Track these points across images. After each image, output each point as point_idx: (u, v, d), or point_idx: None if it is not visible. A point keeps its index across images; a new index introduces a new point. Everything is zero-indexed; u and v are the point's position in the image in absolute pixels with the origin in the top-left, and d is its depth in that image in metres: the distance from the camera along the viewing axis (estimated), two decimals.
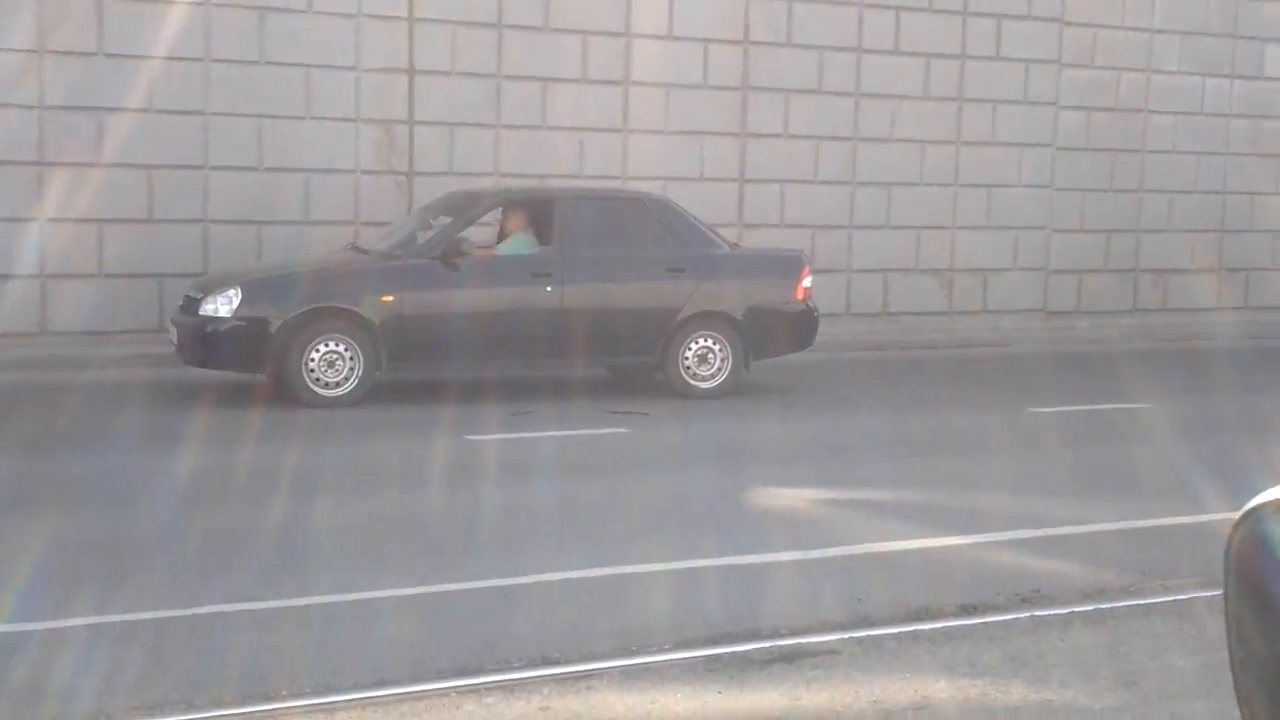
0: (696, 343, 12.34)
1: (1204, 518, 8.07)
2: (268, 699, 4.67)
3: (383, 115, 14.72)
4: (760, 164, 16.54)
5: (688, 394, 12.21)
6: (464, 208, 12.34)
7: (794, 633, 5.55)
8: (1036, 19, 17.88)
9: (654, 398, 12.01)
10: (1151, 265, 19.13)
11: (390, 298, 11.49)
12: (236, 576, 6.19)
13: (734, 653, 5.23)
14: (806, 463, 9.69)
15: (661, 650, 5.28)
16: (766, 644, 5.35)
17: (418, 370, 11.74)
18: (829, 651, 5.33)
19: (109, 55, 13.44)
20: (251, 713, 4.53)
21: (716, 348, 12.39)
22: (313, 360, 11.19)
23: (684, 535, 7.31)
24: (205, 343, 11.39)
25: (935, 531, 7.58)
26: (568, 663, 5.09)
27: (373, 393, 11.38)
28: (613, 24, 15.72)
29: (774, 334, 12.75)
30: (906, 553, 7.12)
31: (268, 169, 14.24)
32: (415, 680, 4.84)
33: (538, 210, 12.39)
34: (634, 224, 12.45)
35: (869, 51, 16.98)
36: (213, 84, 13.89)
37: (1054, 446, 10.55)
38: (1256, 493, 1.73)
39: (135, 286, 13.70)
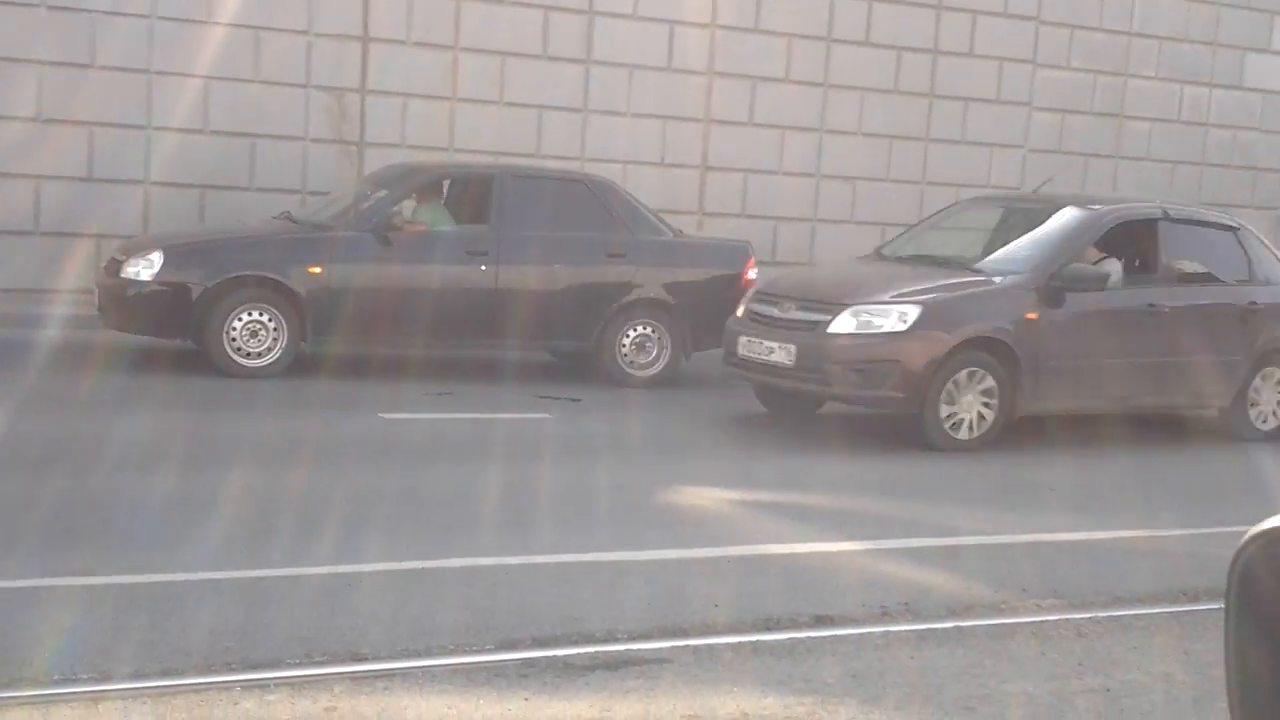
0: (635, 330, 12.11)
1: (1131, 533, 7.84)
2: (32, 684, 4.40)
3: (335, 83, 14.44)
4: (724, 152, 16.23)
5: (624, 382, 11.98)
6: (400, 181, 12.08)
7: (630, 638, 5.27)
8: (1012, 16, 17.54)
9: (589, 385, 11.76)
10: None
11: (318, 269, 11.23)
12: (69, 551, 5.93)
13: (552, 656, 4.95)
14: (723, 460, 9.42)
15: (480, 651, 5.01)
16: (592, 649, 5.08)
17: (343, 344, 11.49)
18: (660, 660, 5.06)
19: (51, 8, 13.16)
20: (12, 698, 4.26)
21: (655, 336, 12.15)
22: (234, 329, 10.94)
23: (557, 529, 7.03)
24: (126, 306, 11.14)
25: (830, 536, 7.33)
26: (375, 659, 4.83)
27: (296, 365, 11.15)
28: (576, 0, 15.41)
29: (715, 325, 12.41)
30: (788, 556, 6.85)
31: (213, 132, 13.97)
32: (203, 672, 4.57)
33: (476, 188, 12.12)
34: (575, 206, 12.16)
35: (839, 41, 16.66)
36: (157, 42, 13.60)
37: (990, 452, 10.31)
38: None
39: (72, 246, 13.43)
